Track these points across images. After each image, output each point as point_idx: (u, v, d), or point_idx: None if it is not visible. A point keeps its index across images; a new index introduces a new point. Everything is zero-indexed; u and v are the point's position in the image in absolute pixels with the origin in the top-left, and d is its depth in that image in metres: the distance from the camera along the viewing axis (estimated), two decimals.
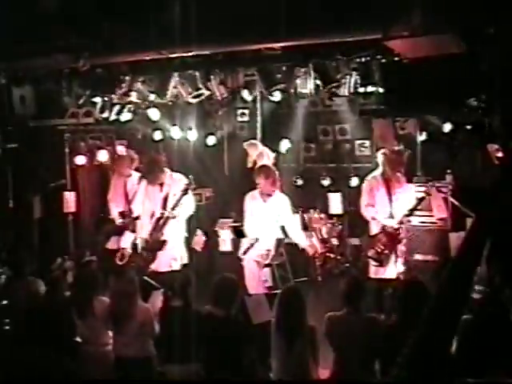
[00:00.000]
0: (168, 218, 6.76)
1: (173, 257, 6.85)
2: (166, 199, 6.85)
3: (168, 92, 7.56)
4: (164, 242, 6.79)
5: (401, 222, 6.67)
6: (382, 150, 7.05)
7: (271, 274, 7.03)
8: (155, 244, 6.79)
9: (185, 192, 6.68)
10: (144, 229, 6.97)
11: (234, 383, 4.55)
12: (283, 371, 4.60)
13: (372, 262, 6.77)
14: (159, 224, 6.81)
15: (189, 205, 6.89)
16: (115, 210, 7.68)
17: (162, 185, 6.95)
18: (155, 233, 6.82)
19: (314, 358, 4.67)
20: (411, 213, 6.71)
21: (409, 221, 6.81)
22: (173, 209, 6.73)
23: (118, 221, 7.53)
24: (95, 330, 5.10)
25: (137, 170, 7.82)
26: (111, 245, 7.55)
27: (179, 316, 4.91)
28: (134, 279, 5.15)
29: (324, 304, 6.02)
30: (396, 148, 7.02)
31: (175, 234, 6.90)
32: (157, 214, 6.86)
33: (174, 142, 8.81)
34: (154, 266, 6.77)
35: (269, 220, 7.03)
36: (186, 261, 6.98)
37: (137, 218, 7.31)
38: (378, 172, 6.95)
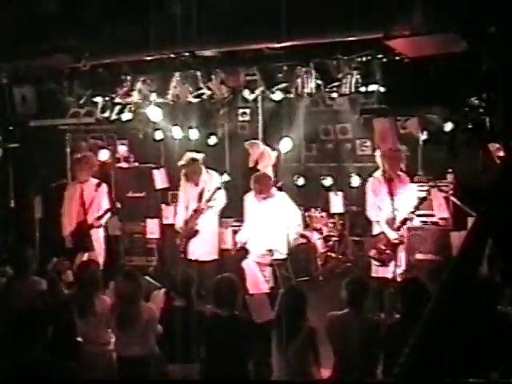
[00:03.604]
0: (203, 209, 7.45)
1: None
2: (201, 194, 7.49)
3: (169, 92, 7.56)
4: (197, 231, 7.46)
5: (402, 223, 6.64)
6: (379, 150, 7.05)
7: (273, 274, 7.04)
8: (189, 233, 7.48)
9: (219, 187, 7.40)
10: (180, 219, 7.62)
11: (234, 383, 4.55)
12: (284, 371, 4.60)
13: (374, 262, 6.76)
14: (194, 215, 7.48)
15: (221, 199, 7.54)
16: (68, 227, 7.53)
17: (197, 181, 7.59)
18: (190, 223, 7.49)
19: (315, 358, 4.67)
20: (413, 213, 6.66)
21: (407, 219, 6.73)
22: (208, 201, 7.42)
23: (68, 244, 7.45)
24: (96, 329, 5.10)
25: (94, 176, 7.75)
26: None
27: (181, 315, 4.91)
28: (138, 279, 5.14)
29: (325, 303, 6.01)
30: (393, 147, 7.01)
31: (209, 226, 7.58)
32: (192, 206, 7.51)
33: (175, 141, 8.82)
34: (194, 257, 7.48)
35: (268, 220, 7.05)
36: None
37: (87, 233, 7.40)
38: (378, 172, 6.95)
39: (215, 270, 7.16)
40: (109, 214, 7.63)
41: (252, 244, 7.17)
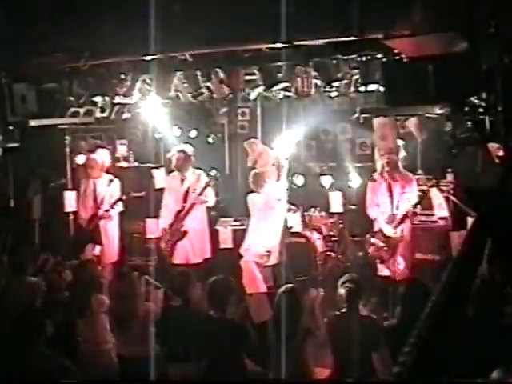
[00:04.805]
0: (189, 210, 7.23)
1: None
2: (186, 193, 7.30)
3: (169, 92, 7.55)
4: (185, 232, 7.24)
5: (401, 220, 6.64)
6: (377, 150, 7.07)
7: (272, 274, 7.02)
8: (176, 234, 7.26)
9: (207, 185, 7.22)
10: (165, 220, 7.40)
11: (233, 383, 4.54)
12: (282, 371, 4.60)
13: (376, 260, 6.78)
14: (180, 216, 7.26)
15: (209, 197, 7.39)
16: (82, 221, 7.81)
17: (183, 180, 7.45)
18: (176, 224, 7.27)
19: (314, 358, 4.67)
20: (413, 210, 6.66)
21: (406, 217, 6.72)
22: (199, 195, 7.22)
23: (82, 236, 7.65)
24: (95, 329, 5.10)
25: (107, 172, 7.97)
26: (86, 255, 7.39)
27: (179, 315, 4.91)
28: (132, 278, 5.15)
29: (325, 303, 6.00)
30: (392, 146, 7.01)
31: (197, 226, 7.36)
32: (177, 206, 7.31)
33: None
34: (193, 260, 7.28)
35: (268, 215, 7.02)
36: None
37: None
38: (378, 171, 6.96)
39: (208, 272, 7.06)
40: (120, 206, 7.77)
41: (251, 242, 7.09)
